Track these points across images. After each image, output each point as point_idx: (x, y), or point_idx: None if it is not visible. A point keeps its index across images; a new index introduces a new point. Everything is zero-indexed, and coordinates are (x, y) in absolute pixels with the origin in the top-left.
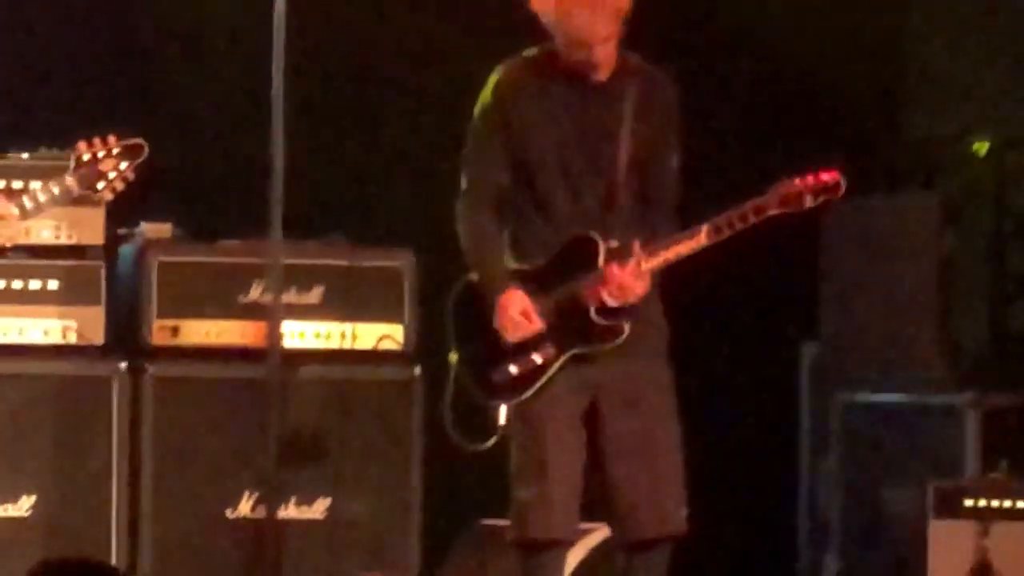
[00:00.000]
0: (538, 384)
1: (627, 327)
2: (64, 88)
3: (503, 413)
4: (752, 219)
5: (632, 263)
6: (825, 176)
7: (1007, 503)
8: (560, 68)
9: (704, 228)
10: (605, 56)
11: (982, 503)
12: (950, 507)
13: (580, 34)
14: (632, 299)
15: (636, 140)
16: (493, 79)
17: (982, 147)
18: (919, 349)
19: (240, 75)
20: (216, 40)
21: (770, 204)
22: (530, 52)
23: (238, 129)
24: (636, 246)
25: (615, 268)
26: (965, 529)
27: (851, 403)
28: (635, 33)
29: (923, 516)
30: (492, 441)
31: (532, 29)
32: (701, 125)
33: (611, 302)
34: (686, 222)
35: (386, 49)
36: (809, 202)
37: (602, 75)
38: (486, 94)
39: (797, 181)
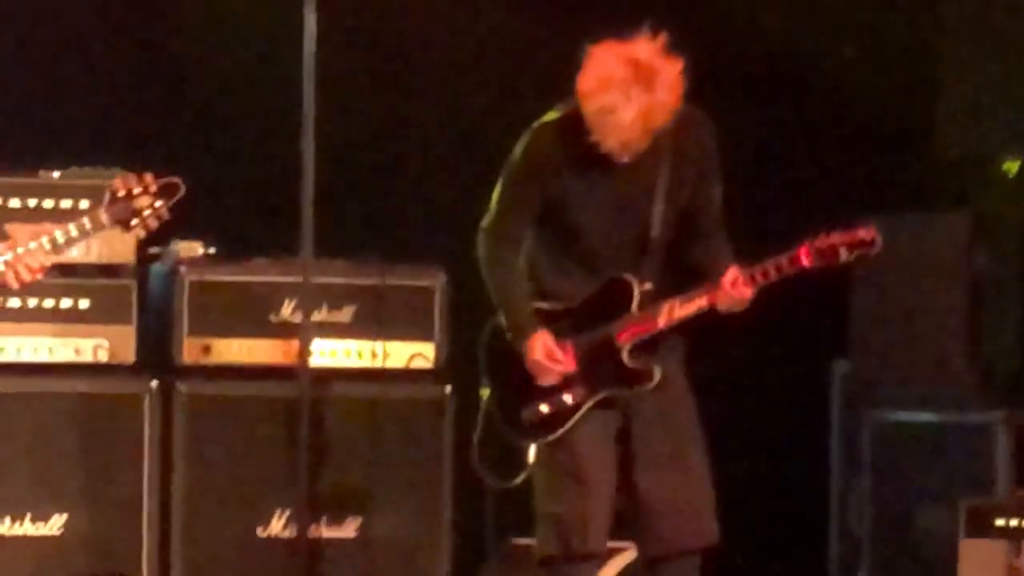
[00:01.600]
0: (568, 425)
1: (658, 371)
2: (97, 109)
3: (532, 452)
4: (787, 271)
5: (664, 314)
6: (862, 233)
7: None
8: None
9: (739, 278)
10: (626, 154)
11: (1014, 522)
12: (981, 526)
13: (612, 149)
14: (743, 307)
15: (672, 194)
16: (536, 129)
17: (1013, 166)
18: (950, 367)
19: (272, 95)
20: (248, 61)
21: (804, 257)
22: (570, 111)
23: (270, 148)
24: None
25: (735, 287)
26: (996, 549)
27: (882, 421)
28: None
29: (954, 535)
30: (520, 479)
31: (572, 68)
32: (739, 150)
33: (729, 308)
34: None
35: (418, 69)
36: (844, 256)
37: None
38: (529, 143)
39: (834, 237)
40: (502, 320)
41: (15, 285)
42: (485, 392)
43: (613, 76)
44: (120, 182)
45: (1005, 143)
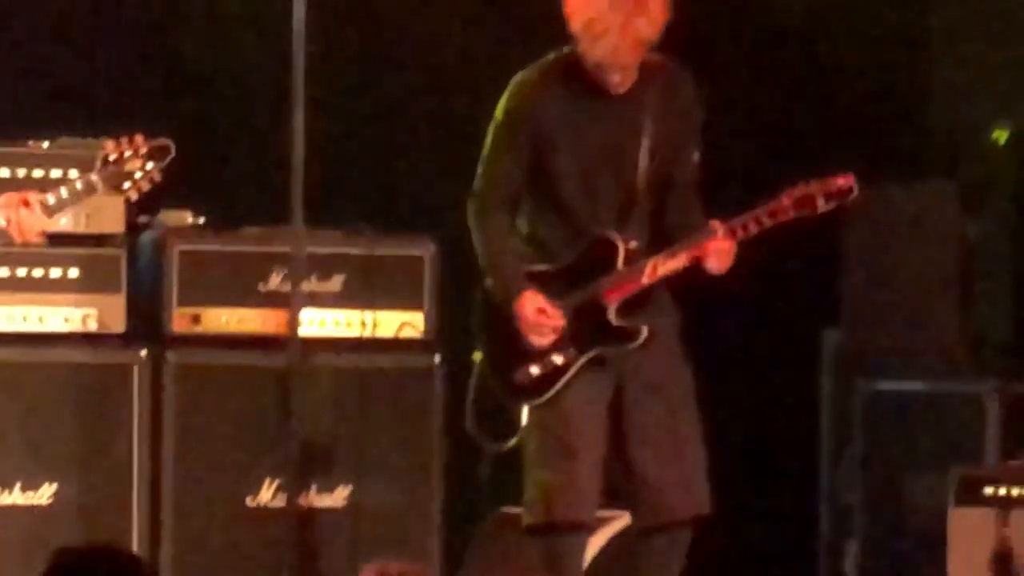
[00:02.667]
0: (558, 385)
1: (645, 329)
2: (85, 79)
3: (525, 414)
4: (767, 223)
5: (648, 269)
6: (840, 181)
7: None
8: (582, 77)
9: (719, 230)
10: (622, 78)
11: (1003, 491)
12: (971, 495)
13: (600, 59)
14: (726, 267)
15: (655, 145)
16: (516, 84)
17: (1002, 135)
18: (941, 337)
19: (263, 63)
20: (239, 30)
21: (783, 207)
22: (552, 57)
23: (259, 118)
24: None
25: (715, 242)
26: (986, 517)
27: (872, 391)
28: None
29: (944, 504)
30: (512, 442)
31: (555, 28)
32: (729, 116)
33: (713, 269)
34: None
35: (406, 38)
36: (822, 205)
37: (622, 88)
38: (509, 98)
39: (811, 184)
40: (490, 280)
41: (21, 239)
42: (478, 356)
43: None
44: (112, 144)
45: (994, 113)
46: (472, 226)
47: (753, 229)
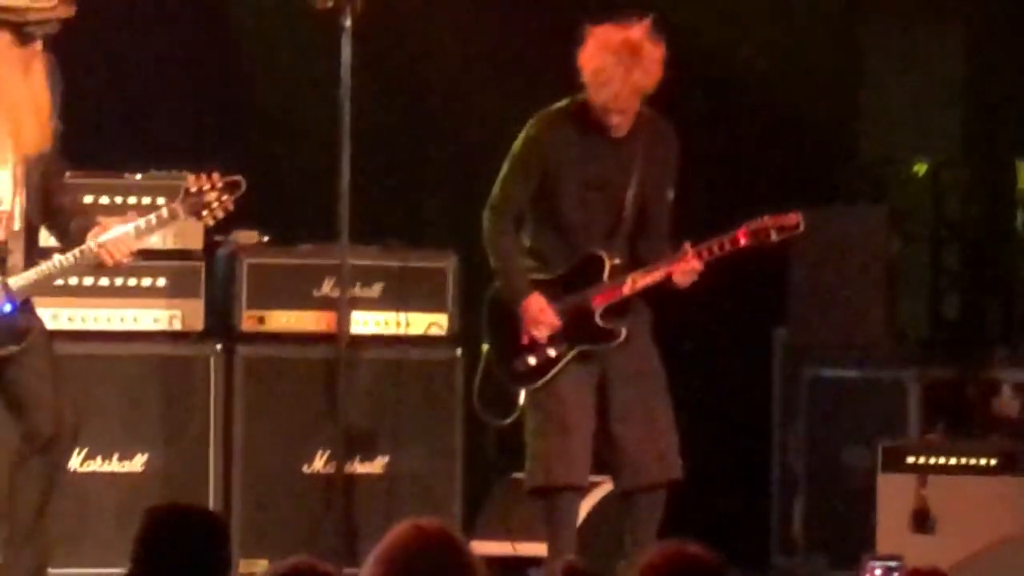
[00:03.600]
0: (551, 373)
1: (624, 331)
2: (168, 120)
3: (522, 395)
4: (728, 247)
5: (628, 283)
6: (790, 216)
7: (942, 460)
8: (589, 119)
9: (690, 253)
10: (620, 122)
11: (922, 460)
12: (895, 463)
13: (605, 102)
14: (689, 282)
15: (641, 184)
16: (535, 121)
17: (921, 168)
18: (871, 333)
19: (314, 108)
20: (294, 79)
21: (741, 237)
22: (567, 101)
23: (312, 151)
24: (632, 275)
25: (685, 262)
26: (907, 481)
27: (815, 377)
28: None
29: (873, 470)
30: (512, 418)
31: (571, 77)
32: (688, 157)
33: (679, 282)
34: (677, 241)
35: (435, 81)
36: (774, 237)
37: (620, 133)
38: (528, 132)
39: (766, 219)
40: (500, 285)
41: (109, 262)
42: (485, 347)
43: (608, 45)
44: (192, 179)
45: (916, 148)
46: (487, 236)
47: (717, 253)
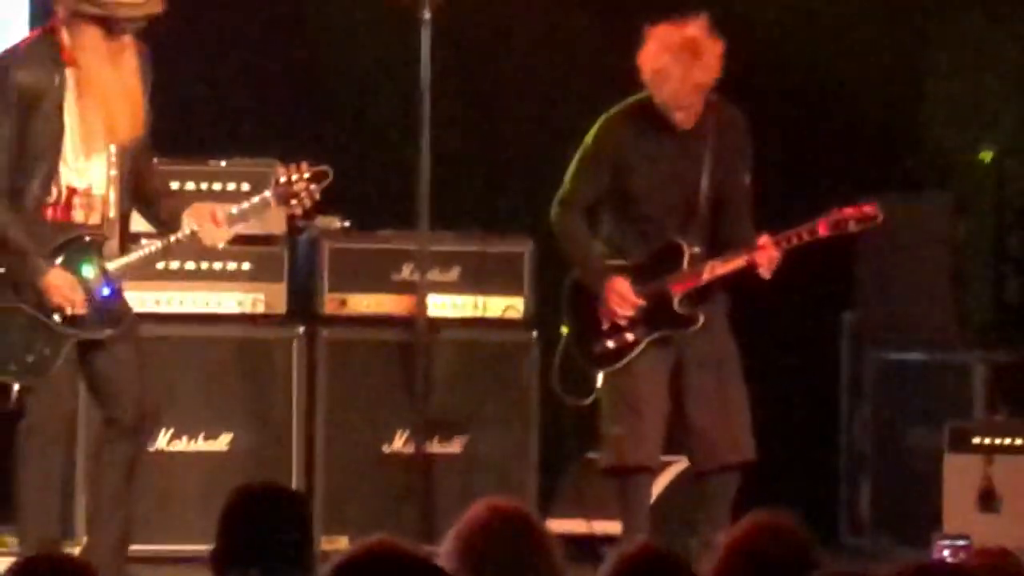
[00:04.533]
0: (628, 357)
1: (702, 316)
2: (255, 107)
3: (600, 377)
4: (806, 238)
5: (707, 271)
6: (867, 208)
7: (1007, 440)
8: (653, 116)
9: (768, 242)
10: (684, 117)
11: (987, 440)
12: (961, 443)
13: (666, 99)
14: (772, 270)
15: (714, 172)
16: (603, 120)
17: (987, 155)
18: (937, 316)
19: (396, 97)
20: (377, 70)
21: (821, 228)
22: (632, 100)
23: (392, 141)
24: (710, 263)
25: (766, 252)
26: (974, 461)
27: (882, 360)
28: None
29: (939, 450)
30: (591, 399)
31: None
32: (758, 148)
33: (762, 271)
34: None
35: (513, 78)
36: (852, 227)
37: (687, 126)
38: (597, 130)
39: (845, 210)
40: (580, 272)
41: (208, 243)
42: (565, 330)
43: (667, 45)
44: (282, 170)
45: (980, 136)
46: (556, 227)
47: (795, 242)
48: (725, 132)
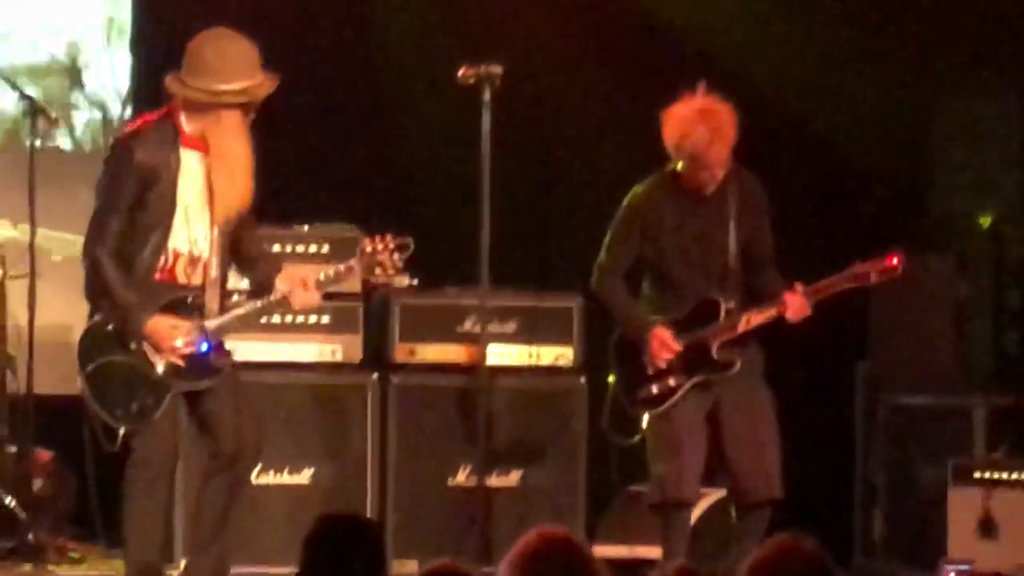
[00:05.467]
0: (671, 401)
1: (738, 362)
2: (333, 178)
3: (645, 419)
4: (833, 289)
5: (743, 322)
6: (890, 259)
7: (1006, 475)
8: (680, 185)
9: (800, 293)
10: (710, 179)
11: (987, 475)
12: (964, 478)
13: (691, 166)
14: (802, 317)
15: (739, 234)
16: (634, 191)
17: (986, 220)
18: (942, 365)
19: (458, 168)
20: (441, 144)
21: (846, 280)
22: (661, 172)
23: (455, 206)
24: (746, 315)
25: (795, 298)
26: (975, 494)
27: (893, 404)
28: None
29: (944, 484)
30: (637, 438)
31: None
32: (776, 211)
33: (791, 318)
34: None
35: (563, 145)
36: (874, 279)
37: (710, 190)
38: (628, 201)
39: (867, 263)
40: (625, 326)
41: (298, 307)
42: (611, 378)
43: (683, 120)
44: (369, 241)
45: (980, 203)
46: (597, 291)
47: (823, 293)
48: (745, 194)
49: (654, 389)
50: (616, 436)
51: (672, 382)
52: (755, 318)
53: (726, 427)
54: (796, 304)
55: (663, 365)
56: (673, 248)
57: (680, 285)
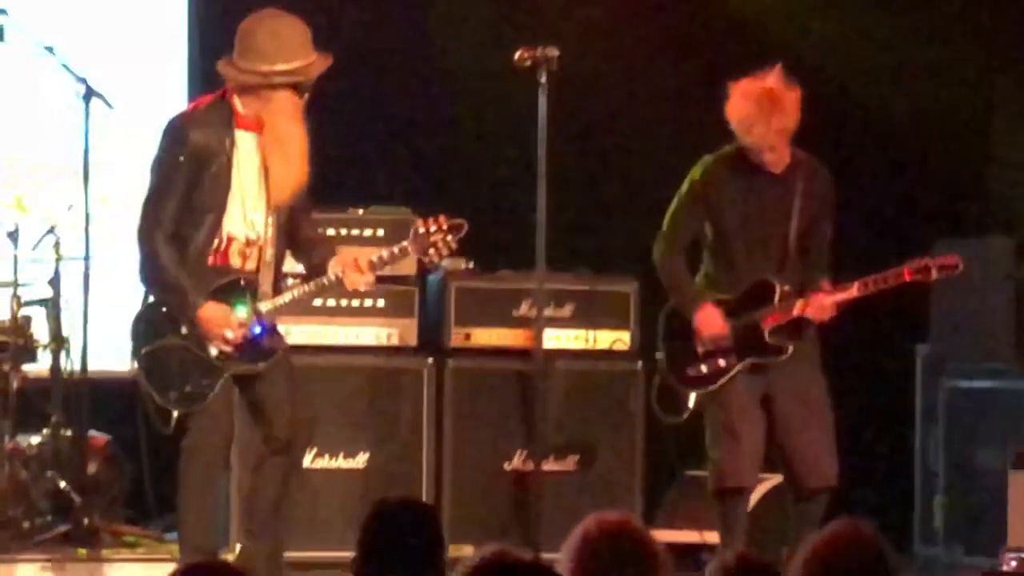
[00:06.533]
0: (720, 382)
1: (790, 348)
2: (389, 160)
3: (692, 398)
4: (892, 283)
5: (797, 307)
6: (949, 259)
7: None
8: (746, 161)
9: (856, 284)
10: (773, 159)
11: None
12: None
13: (753, 144)
14: (825, 317)
15: (802, 218)
16: (701, 165)
17: None
18: (1001, 348)
19: (513, 148)
20: (498, 127)
21: (906, 274)
22: (727, 148)
23: (512, 190)
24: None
25: (823, 295)
26: None
27: (953, 387)
28: None
29: (1005, 469)
30: (684, 416)
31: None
32: (840, 193)
33: (812, 316)
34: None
35: (617, 126)
36: (935, 275)
37: (776, 170)
38: (695, 175)
39: (927, 259)
40: (675, 300)
41: (351, 287)
42: (659, 355)
43: (748, 96)
44: (421, 221)
45: None
46: (657, 260)
47: (881, 286)
48: (812, 181)
49: (703, 368)
50: (664, 413)
51: (722, 363)
52: (826, 298)
53: (780, 414)
54: (817, 304)
55: (709, 344)
56: (734, 222)
57: (738, 264)
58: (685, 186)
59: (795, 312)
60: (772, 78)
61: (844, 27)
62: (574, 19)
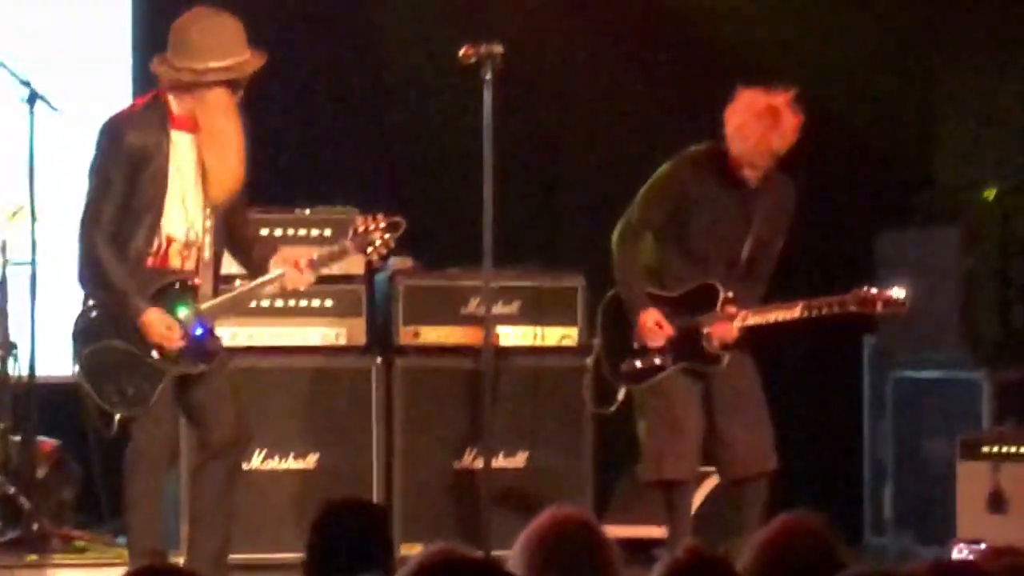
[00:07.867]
0: (653, 380)
1: (727, 359)
2: (331, 160)
3: (621, 392)
4: (836, 309)
5: (739, 319)
6: (897, 294)
7: (1013, 449)
8: (725, 167)
9: (800, 305)
10: (752, 175)
11: (995, 449)
12: (972, 452)
13: (741, 155)
14: (728, 341)
15: (760, 235)
16: (680, 157)
17: (991, 193)
18: (949, 339)
19: (457, 148)
20: (442, 124)
21: (851, 304)
22: (709, 146)
23: (456, 188)
24: (743, 312)
25: (725, 325)
26: (983, 468)
27: (900, 378)
28: None
29: (952, 459)
30: (613, 409)
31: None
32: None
33: (715, 338)
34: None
35: (566, 123)
36: (880, 308)
37: (750, 184)
38: (672, 168)
39: (875, 292)
40: (621, 293)
41: (291, 286)
42: (596, 344)
43: (753, 107)
44: (360, 220)
45: (986, 176)
46: (617, 246)
47: (825, 311)
48: (777, 201)
49: (637, 363)
50: (592, 403)
51: (658, 361)
52: (752, 318)
53: (716, 402)
54: (790, 315)
55: (657, 345)
56: (698, 225)
57: (691, 263)
58: (663, 174)
59: (736, 324)
60: (781, 98)
61: (786, 18)
62: (519, 15)
